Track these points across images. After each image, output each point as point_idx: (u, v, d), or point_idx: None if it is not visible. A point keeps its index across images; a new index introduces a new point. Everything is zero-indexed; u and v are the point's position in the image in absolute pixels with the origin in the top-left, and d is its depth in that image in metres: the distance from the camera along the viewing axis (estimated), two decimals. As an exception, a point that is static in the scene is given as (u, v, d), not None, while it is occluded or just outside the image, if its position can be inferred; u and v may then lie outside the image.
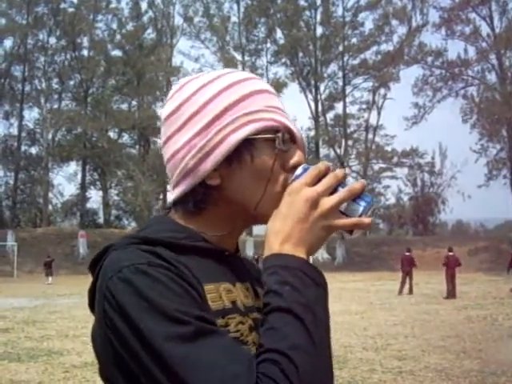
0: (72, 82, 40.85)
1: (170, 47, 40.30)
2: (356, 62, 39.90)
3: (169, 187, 0.89)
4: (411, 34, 37.33)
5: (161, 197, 40.34)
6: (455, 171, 41.30)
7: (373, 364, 6.68)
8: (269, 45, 41.19)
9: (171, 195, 0.81)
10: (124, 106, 43.15)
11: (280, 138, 0.76)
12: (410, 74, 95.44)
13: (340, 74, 40.06)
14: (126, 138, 44.30)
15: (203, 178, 0.76)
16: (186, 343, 0.61)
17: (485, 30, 36.75)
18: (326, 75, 40.43)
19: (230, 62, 38.17)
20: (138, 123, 38.27)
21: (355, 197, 0.71)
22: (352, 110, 41.49)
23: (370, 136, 40.79)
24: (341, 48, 39.18)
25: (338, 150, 39.23)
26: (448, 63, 38.16)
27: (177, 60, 67.02)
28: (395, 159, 39.84)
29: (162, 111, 0.83)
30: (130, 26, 41.59)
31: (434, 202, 42.99)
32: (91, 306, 0.74)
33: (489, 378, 5.91)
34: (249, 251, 31.36)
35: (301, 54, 39.80)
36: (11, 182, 39.43)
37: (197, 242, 0.77)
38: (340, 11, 39.61)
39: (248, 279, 0.82)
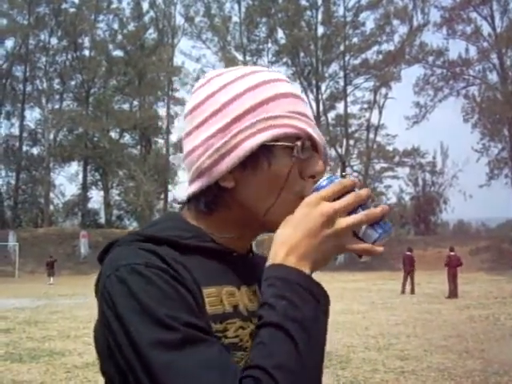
0: (73, 82, 40.95)
1: (171, 47, 40.31)
2: (357, 61, 39.94)
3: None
4: (412, 33, 37.31)
5: (162, 197, 40.37)
6: (457, 171, 41.32)
7: (375, 364, 6.66)
8: (270, 45, 41.27)
9: (187, 190, 0.79)
10: (125, 106, 43.24)
11: (299, 146, 0.73)
12: (412, 73, 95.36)
13: (341, 74, 40.07)
14: (127, 138, 44.39)
15: (217, 179, 0.74)
16: (171, 350, 0.60)
17: (486, 29, 36.76)
18: (327, 75, 40.44)
19: (231, 62, 38.16)
20: (140, 123, 38.31)
21: (373, 222, 0.68)
22: (353, 109, 41.58)
23: (372, 136, 40.80)
24: (342, 48, 39.17)
25: (340, 150, 39.23)
26: (449, 63, 38.14)
27: (178, 60, 67.04)
28: (396, 159, 39.83)
29: (186, 105, 0.81)
30: (131, 26, 41.67)
31: (435, 202, 42.94)
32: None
33: (491, 378, 5.89)
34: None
35: (302, 54, 39.81)
36: (13, 182, 39.50)
37: (204, 242, 0.75)
38: (341, 11, 39.68)
39: (256, 282, 0.79)
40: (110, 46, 41.05)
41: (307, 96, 38.82)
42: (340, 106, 40.69)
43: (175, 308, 0.63)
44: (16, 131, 39.73)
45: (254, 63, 40.78)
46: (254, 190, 0.74)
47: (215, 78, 0.78)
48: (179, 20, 41.82)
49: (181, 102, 41.90)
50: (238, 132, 0.73)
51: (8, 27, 36.44)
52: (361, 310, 12.31)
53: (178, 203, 0.83)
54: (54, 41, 39.71)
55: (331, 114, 41.07)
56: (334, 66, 40.61)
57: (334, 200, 0.68)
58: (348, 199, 0.68)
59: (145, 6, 41.86)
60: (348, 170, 39.28)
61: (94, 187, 44.11)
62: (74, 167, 42.81)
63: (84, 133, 38.24)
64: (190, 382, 0.59)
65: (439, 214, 43.97)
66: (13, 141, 40.23)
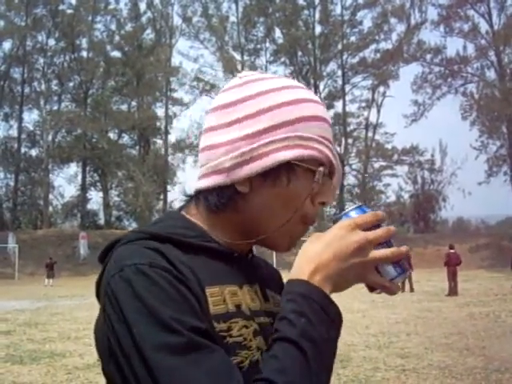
0: (71, 84, 40.89)
1: (169, 47, 40.29)
2: (355, 60, 39.96)
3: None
4: (410, 31, 37.33)
5: (161, 197, 40.35)
6: (455, 168, 41.36)
7: (376, 362, 6.66)
8: (268, 44, 41.28)
9: (196, 184, 0.79)
10: (124, 107, 43.17)
11: (321, 172, 0.75)
12: (410, 71, 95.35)
13: (339, 73, 40.10)
14: (125, 138, 44.36)
15: (233, 182, 0.75)
16: (174, 355, 0.60)
17: (483, 26, 36.83)
18: (325, 74, 40.46)
19: (229, 62, 38.19)
20: (138, 124, 38.28)
21: (396, 260, 0.70)
22: (352, 108, 41.61)
23: (370, 134, 40.84)
24: (340, 46, 39.19)
25: (338, 149, 39.21)
26: (447, 60, 38.17)
27: (176, 60, 66.92)
28: (395, 157, 39.87)
29: (215, 100, 0.81)
30: (128, 27, 41.63)
31: (434, 200, 42.98)
32: (98, 297, 0.74)
33: (492, 375, 5.88)
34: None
35: (300, 53, 39.83)
36: (11, 183, 39.46)
37: (207, 242, 0.76)
38: (338, 10, 39.79)
39: (257, 281, 0.80)
40: (108, 47, 41.03)
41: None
42: (338, 105, 40.77)
43: (180, 310, 0.63)
44: (14, 133, 39.72)
45: (252, 63, 40.81)
46: (266, 201, 0.75)
47: (253, 83, 0.78)
48: (177, 20, 41.99)
49: (179, 103, 41.93)
50: (268, 142, 0.73)
51: (5, 29, 36.39)
52: (361, 308, 12.31)
53: (186, 195, 0.83)
54: (51, 42, 39.72)
55: (330, 113, 40.17)
56: (332, 65, 40.69)
57: (366, 230, 0.69)
58: (381, 233, 0.69)
59: (142, 6, 41.89)
60: (347, 168, 39.30)
61: (92, 188, 44.11)
62: (73, 168, 42.83)
63: (82, 134, 38.20)
64: None
65: (438, 211, 44.03)
66: (11, 142, 40.20)
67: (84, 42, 39.94)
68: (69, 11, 39.01)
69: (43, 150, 38.73)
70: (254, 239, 0.78)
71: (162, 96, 41.41)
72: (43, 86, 39.24)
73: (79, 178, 40.87)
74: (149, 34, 42.37)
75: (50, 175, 40.73)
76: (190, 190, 0.83)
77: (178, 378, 0.60)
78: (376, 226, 0.70)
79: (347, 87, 40.15)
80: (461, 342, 7.91)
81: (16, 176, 38.43)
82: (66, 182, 52.85)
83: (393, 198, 44.47)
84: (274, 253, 27.20)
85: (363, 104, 41.16)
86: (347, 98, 40.20)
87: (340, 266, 0.68)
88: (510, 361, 6.51)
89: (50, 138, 38.98)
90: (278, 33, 40.48)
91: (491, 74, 37.56)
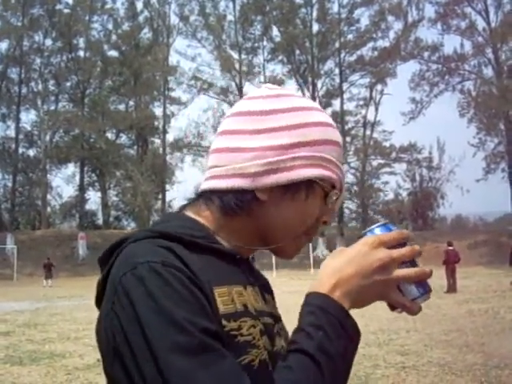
0: (69, 84, 40.75)
1: (166, 47, 40.19)
2: (353, 58, 39.88)
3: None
4: (407, 29, 37.30)
5: (160, 197, 40.31)
6: (453, 166, 41.45)
7: (376, 359, 6.67)
8: (265, 43, 41.16)
9: (209, 184, 0.80)
10: (121, 107, 43.06)
11: (333, 194, 0.79)
12: (407, 69, 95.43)
13: (337, 71, 40.04)
14: (123, 138, 44.27)
15: (255, 188, 0.77)
16: (186, 357, 0.60)
17: (480, 24, 36.78)
18: (322, 72, 40.40)
19: (226, 61, 38.13)
20: (136, 123, 38.19)
21: (418, 280, 0.70)
22: (349, 106, 41.51)
23: (368, 132, 40.79)
24: (337, 45, 39.13)
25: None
26: (444, 58, 38.16)
27: (173, 59, 66.98)
28: (393, 155, 39.84)
29: (240, 105, 0.82)
30: (125, 26, 41.49)
31: (432, 197, 43.04)
32: (98, 301, 0.73)
33: (492, 372, 5.90)
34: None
35: (297, 52, 39.75)
36: (9, 184, 39.35)
37: (213, 243, 0.76)
38: (336, 8, 39.62)
39: (257, 283, 0.81)
40: (105, 47, 40.89)
41: (303, 93, 38.82)
42: (336, 103, 40.70)
43: (192, 311, 0.63)
44: (12, 133, 39.59)
45: (250, 61, 40.76)
46: (282, 213, 0.78)
47: (287, 98, 0.81)
48: (174, 19, 41.85)
49: (177, 102, 41.86)
50: (296, 157, 0.77)
51: (2, 29, 36.25)
52: (360, 306, 12.32)
53: (196, 194, 0.83)
54: (48, 42, 39.54)
55: (327, 111, 40.51)
56: (330, 63, 40.62)
57: (390, 248, 0.70)
58: (405, 252, 0.69)
59: (139, 5, 41.74)
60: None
61: (91, 188, 44.04)
62: (71, 168, 42.65)
63: (80, 134, 38.09)
64: None
65: (437, 209, 44.11)
66: (9, 143, 40.08)
67: (81, 42, 39.80)
68: (66, 11, 38.88)
69: (41, 151, 38.64)
70: (265, 246, 0.81)
71: (160, 95, 41.34)
72: (40, 86, 39.13)
73: (77, 178, 40.78)
74: (146, 33, 42.29)
75: (48, 175, 40.68)
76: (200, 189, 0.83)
77: (188, 380, 0.60)
78: (401, 244, 0.70)
79: (345, 85, 40.14)
80: (460, 339, 7.92)
81: (14, 176, 38.33)
82: (64, 182, 52.85)
83: (391, 196, 44.54)
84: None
85: (361, 102, 41.14)
86: (345, 96, 40.19)
87: (361, 283, 0.68)
88: (510, 357, 6.52)
89: (47, 138, 38.89)
90: (275, 31, 40.44)
91: (488, 72, 37.60)
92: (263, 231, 0.79)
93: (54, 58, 40.21)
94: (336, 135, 0.82)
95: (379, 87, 40.18)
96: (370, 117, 40.86)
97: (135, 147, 42.98)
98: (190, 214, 0.80)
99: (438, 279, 17.78)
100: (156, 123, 41.84)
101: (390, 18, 38.14)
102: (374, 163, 40.67)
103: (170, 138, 41.78)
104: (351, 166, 40.05)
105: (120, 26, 41.29)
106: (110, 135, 42.49)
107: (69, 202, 45.10)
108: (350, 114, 41.23)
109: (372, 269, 0.68)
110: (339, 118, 39.44)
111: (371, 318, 10.30)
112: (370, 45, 39.36)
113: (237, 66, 39.60)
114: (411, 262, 0.70)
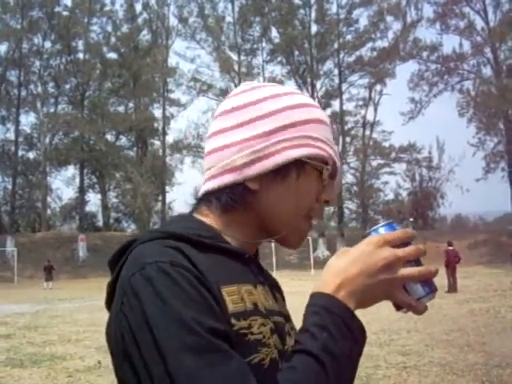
0: (68, 86, 40.76)
1: (165, 48, 40.21)
2: (352, 58, 39.91)
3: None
4: (406, 29, 37.33)
5: (160, 198, 40.30)
6: (453, 165, 41.48)
7: (377, 360, 6.66)
8: (264, 44, 41.20)
9: (205, 186, 0.81)
10: (121, 109, 43.09)
11: (327, 171, 0.79)
12: (406, 69, 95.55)
13: (336, 72, 40.06)
14: (123, 140, 44.28)
15: (245, 179, 0.77)
16: (194, 356, 0.61)
17: (479, 23, 36.83)
18: (321, 73, 40.42)
19: (225, 62, 38.15)
20: (135, 125, 38.20)
21: (425, 279, 0.70)
22: (349, 106, 41.53)
23: (368, 132, 40.81)
24: (336, 45, 39.15)
25: (336, 148, 39.19)
26: (443, 58, 38.19)
27: (172, 61, 66.82)
28: (393, 155, 39.86)
29: (221, 106, 0.83)
30: (124, 28, 41.52)
31: (432, 197, 43.05)
32: (108, 303, 0.73)
33: (493, 371, 5.89)
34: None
35: (296, 53, 39.77)
36: (9, 187, 39.35)
37: (221, 243, 0.77)
38: (334, 8, 39.64)
39: (266, 282, 0.81)
40: (104, 49, 40.91)
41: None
42: (335, 104, 40.72)
43: (200, 311, 0.63)
44: (11, 136, 39.58)
45: (249, 62, 40.79)
46: (276, 199, 0.78)
47: (260, 88, 0.82)
48: (173, 21, 41.78)
49: (176, 103, 41.86)
50: (280, 140, 0.77)
51: (1, 32, 36.28)
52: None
53: (197, 198, 0.84)
54: (47, 44, 39.57)
55: (327, 112, 40.46)
56: (329, 64, 40.64)
57: (395, 247, 0.69)
58: (410, 251, 0.69)
59: (138, 7, 41.78)
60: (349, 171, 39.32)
61: (91, 190, 44.03)
62: (71, 171, 42.65)
63: (80, 136, 38.10)
64: None
65: (437, 208, 44.14)
66: (8, 145, 40.08)
67: (80, 44, 39.83)
68: (65, 13, 38.91)
69: (40, 153, 38.65)
70: (269, 237, 0.80)
71: (159, 97, 41.35)
72: (40, 89, 39.14)
73: (77, 180, 40.79)
74: (145, 35, 42.31)
75: (48, 178, 40.68)
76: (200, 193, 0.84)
77: (195, 380, 0.60)
78: (405, 243, 0.70)
79: (344, 86, 40.15)
80: (461, 339, 7.92)
81: (14, 179, 38.33)
82: (63, 184, 52.81)
83: (391, 196, 44.58)
84: (274, 252, 27.18)
85: (360, 102, 41.18)
86: (344, 96, 40.21)
87: (366, 282, 0.67)
88: (511, 356, 6.52)
89: (47, 140, 38.90)
90: (274, 32, 40.48)
91: (487, 71, 37.63)
92: (264, 222, 0.79)
93: (53, 60, 40.24)
94: (319, 113, 0.82)
95: (378, 87, 40.27)
96: (370, 117, 40.94)
97: (135, 149, 42.99)
98: (196, 215, 0.81)
99: (439, 279, 17.74)
100: (155, 125, 41.85)
101: (389, 19, 38.24)
102: (374, 163, 40.73)
103: (169, 139, 41.85)
104: (351, 166, 40.07)
105: (119, 28, 41.32)
106: (109, 137, 42.51)
107: (69, 204, 45.10)
108: (350, 115, 41.26)
109: (377, 268, 0.67)
110: (339, 118, 39.46)
111: (372, 318, 10.30)
112: (369, 45, 39.46)
113: (236, 67, 39.62)
114: (416, 261, 0.70)
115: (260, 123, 0.78)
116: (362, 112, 41.02)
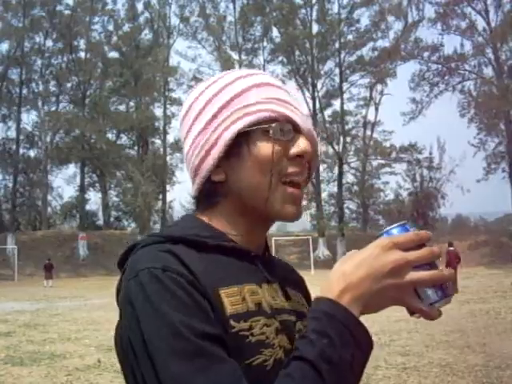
0: (69, 85, 40.78)
1: (166, 48, 40.22)
2: (352, 58, 39.87)
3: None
4: (407, 29, 37.29)
5: (160, 197, 40.32)
6: (454, 166, 41.28)
7: (377, 360, 6.65)
8: (265, 43, 41.17)
9: (191, 192, 0.83)
10: (122, 108, 43.11)
11: (275, 127, 0.75)
12: (407, 69, 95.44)
13: (337, 71, 40.02)
14: (124, 139, 44.31)
15: (208, 175, 0.78)
16: (182, 361, 0.61)
17: (481, 24, 36.76)
18: (322, 72, 40.39)
19: (226, 62, 38.12)
20: (136, 124, 38.21)
21: (437, 284, 0.65)
22: (350, 106, 41.50)
23: (368, 132, 40.79)
24: (337, 45, 39.13)
25: (337, 147, 39.20)
26: (444, 58, 38.14)
27: (174, 60, 67.01)
28: (394, 155, 39.84)
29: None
30: (126, 28, 41.51)
31: (433, 197, 42.96)
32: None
33: (493, 372, 5.88)
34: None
35: (297, 52, 39.74)
36: (10, 185, 39.37)
37: (223, 241, 0.76)
38: (335, 8, 39.61)
39: (277, 280, 0.79)
40: (106, 48, 40.93)
41: (303, 94, 38.84)
42: (336, 104, 40.69)
43: (191, 315, 0.63)
44: (13, 134, 39.61)
45: (250, 62, 40.74)
46: (243, 176, 0.76)
47: (198, 85, 0.84)
48: (174, 20, 41.93)
49: (177, 103, 41.84)
50: (216, 126, 0.77)
51: (3, 30, 36.29)
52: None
53: (193, 207, 0.86)
54: (49, 43, 39.60)
55: (328, 112, 40.90)
56: (330, 64, 40.60)
57: (406, 250, 0.64)
58: (422, 254, 0.64)
59: (139, 6, 41.78)
60: (345, 166, 39.29)
61: (91, 189, 44.08)
62: (72, 169, 42.78)
63: (81, 135, 38.10)
64: None
65: (437, 209, 44.00)
66: (10, 144, 40.11)
67: (82, 43, 39.83)
68: (66, 12, 38.93)
69: (41, 151, 38.68)
70: (261, 220, 0.79)
71: (160, 96, 41.36)
72: (41, 87, 39.17)
73: (78, 178, 40.80)
74: (146, 35, 42.32)
75: (49, 176, 40.72)
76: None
77: (181, 382, 0.60)
78: (419, 246, 0.65)
79: (345, 86, 40.11)
80: (461, 340, 7.91)
81: (14, 177, 38.36)
82: (64, 182, 52.61)
83: (391, 196, 44.48)
84: (274, 252, 27.19)
85: (361, 102, 41.14)
86: (345, 96, 40.17)
87: (372, 287, 0.63)
88: (511, 357, 6.51)
89: (48, 138, 38.93)
90: (275, 32, 40.46)
91: (489, 71, 37.56)
92: (246, 203, 0.77)
93: (54, 59, 40.26)
94: (260, 78, 0.79)
95: (379, 87, 40.22)
96: (370, 117, 40.91)
97: (136, 148, 42.99)
98: (198, 215, 0.82)
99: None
100: (156, 124, 41.86)
101: (390, 19, 38.18)
102: (375, 163, 40.72)
103: (170, 138, 41.86)
104: (351, 166, 40.05)
105: (120, 27, 41.33)
106: (110, 136, 42.52)
107: (69, 202, 45.14)
108: (350, 114, 41.23)
109: (384, 272, 0.63)
110: (339, 118, 39.45)
111: (372, 319, 10.29)
112: (370, 45, 39.42)
113: (237, 66, 39.58)
114: (431, 265, 0.65)
115: (200, 119, 0.79)
116: (363, 112, 41.04)
